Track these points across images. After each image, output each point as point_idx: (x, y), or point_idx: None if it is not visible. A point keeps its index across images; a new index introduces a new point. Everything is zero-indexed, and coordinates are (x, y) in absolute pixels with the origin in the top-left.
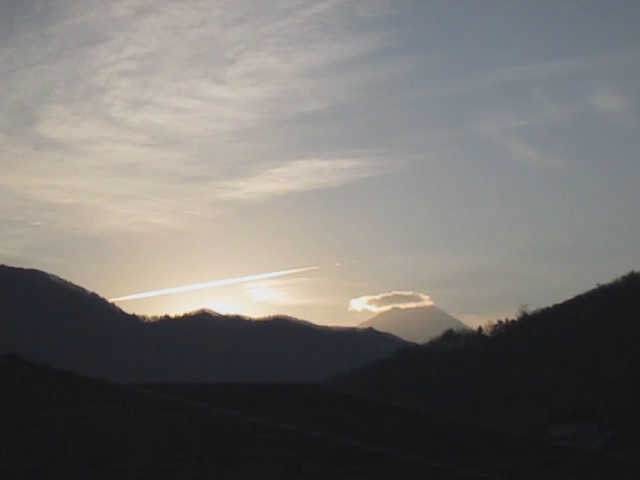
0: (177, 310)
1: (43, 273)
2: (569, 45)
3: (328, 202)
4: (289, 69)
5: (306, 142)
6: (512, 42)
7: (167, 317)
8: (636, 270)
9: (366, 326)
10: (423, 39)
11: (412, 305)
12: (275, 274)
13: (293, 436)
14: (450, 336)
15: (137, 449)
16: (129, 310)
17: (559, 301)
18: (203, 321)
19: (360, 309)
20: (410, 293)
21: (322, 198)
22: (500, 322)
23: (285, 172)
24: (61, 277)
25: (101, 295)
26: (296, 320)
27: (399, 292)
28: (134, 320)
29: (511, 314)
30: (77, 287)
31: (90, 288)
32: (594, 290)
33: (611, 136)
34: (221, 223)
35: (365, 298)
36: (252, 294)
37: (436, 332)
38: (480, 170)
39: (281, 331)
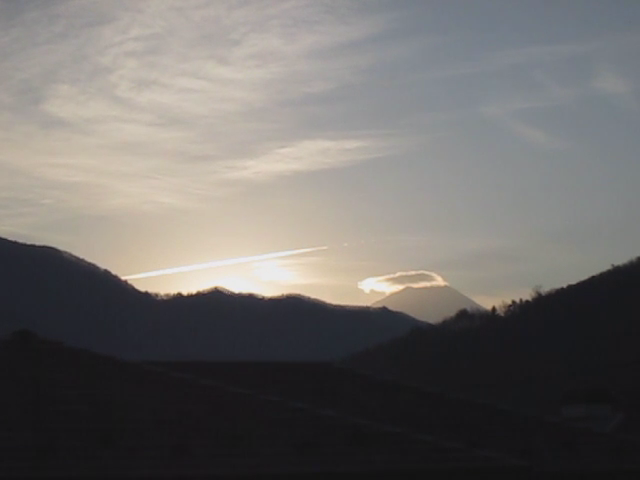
0: (189, 288)
1: (56, 250)
2: (574, 28)
3: (335, 182)
4: (294, 50)
5: (312, 123)
6: (517, 24)
7: (180, 295)
8: None
9: (380, 305)
10: (428, 21)
11: (426, 285)
12: (283, 254)
13: (306, 415)
14: (464, 316)
15: (149, 427)
16: (142, 288)
17: (573, 282)
18: (216, 299)
19: (372, 289)
20: (421, 273)
21: (329, 178)
22: (514, 302)
23: (291, 152)
24: (73, 254)
25: (113, 272)
26: (309, 299)
27: (409, 272)
28: (147, 297)
29: (525, 295)
30: (90, 264)
31: (102, 265)
32: (608, 271)
33: (617, 118)
34: (228, 202)
35: (376, 278)
36: (259, 273)
37: (450, 312)
38: (486, 151)
39: (294, 310)
